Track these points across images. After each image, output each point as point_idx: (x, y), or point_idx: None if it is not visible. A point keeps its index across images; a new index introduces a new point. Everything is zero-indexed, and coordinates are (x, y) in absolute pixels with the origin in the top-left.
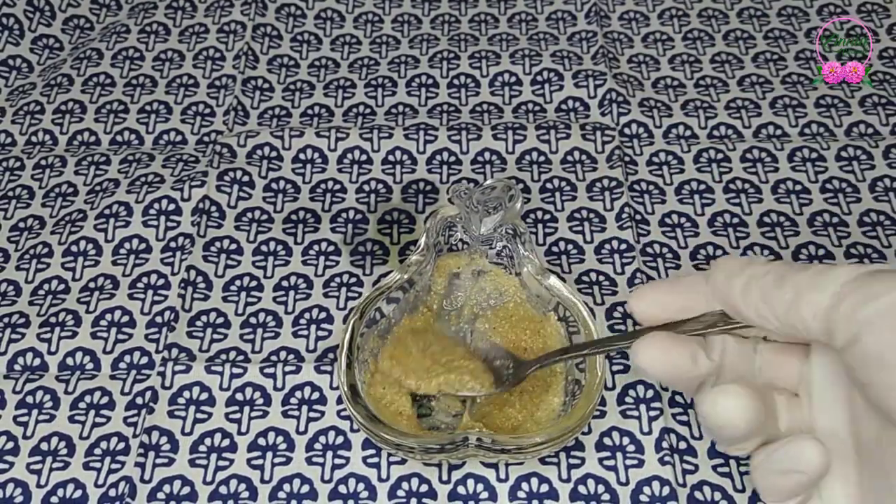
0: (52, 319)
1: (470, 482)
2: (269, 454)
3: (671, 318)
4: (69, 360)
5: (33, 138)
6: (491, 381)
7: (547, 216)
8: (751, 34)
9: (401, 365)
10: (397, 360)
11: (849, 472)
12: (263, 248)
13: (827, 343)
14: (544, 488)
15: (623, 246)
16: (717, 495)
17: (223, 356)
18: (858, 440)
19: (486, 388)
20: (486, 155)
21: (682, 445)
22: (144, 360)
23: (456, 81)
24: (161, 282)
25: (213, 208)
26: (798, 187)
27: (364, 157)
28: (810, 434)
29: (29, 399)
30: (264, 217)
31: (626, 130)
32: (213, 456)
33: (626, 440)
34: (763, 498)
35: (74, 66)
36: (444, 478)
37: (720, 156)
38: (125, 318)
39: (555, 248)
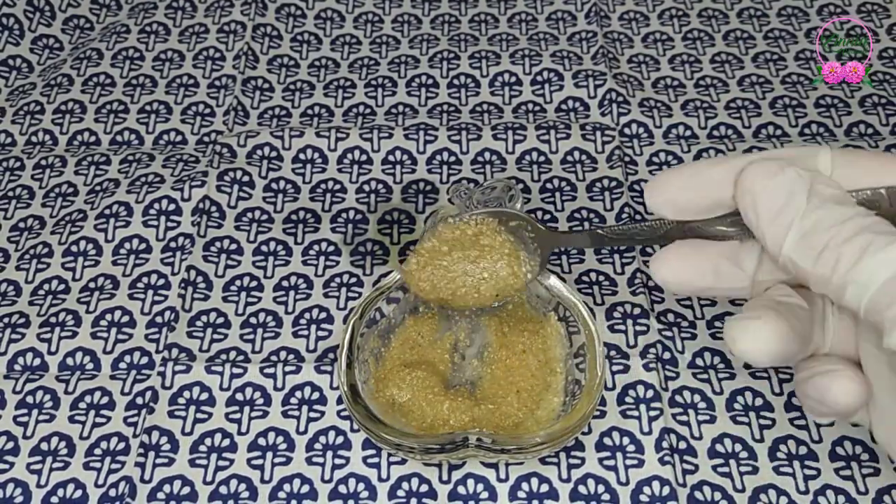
0: (52, 319)
1: (470, 482)
2: (269, 454)
3: (693, 217)
4: (69, 360)
5: (33, 138)
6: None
7: (547, 216)
8: (751, 34)
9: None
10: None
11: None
12: (263, 248)
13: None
14: (544, 488)
15: (623, 246)
16: (717, 495)
17: (223, 356)
18: None
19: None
20: (486, 155)
21: (682, 445)
22: (144, 360)
23: (456, 81)
24: (161, 282)
25: (213, 208)
26: None
27: (364, 157)
28: (849, 358)
29: (29, 399)
30: (264, 217)
31: (626, 130)
32: (213, 456)
33: (626, 440)
34: (806, 412)
35: (74, 66)
36: (444, 478)
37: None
38: (125, 318)
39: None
